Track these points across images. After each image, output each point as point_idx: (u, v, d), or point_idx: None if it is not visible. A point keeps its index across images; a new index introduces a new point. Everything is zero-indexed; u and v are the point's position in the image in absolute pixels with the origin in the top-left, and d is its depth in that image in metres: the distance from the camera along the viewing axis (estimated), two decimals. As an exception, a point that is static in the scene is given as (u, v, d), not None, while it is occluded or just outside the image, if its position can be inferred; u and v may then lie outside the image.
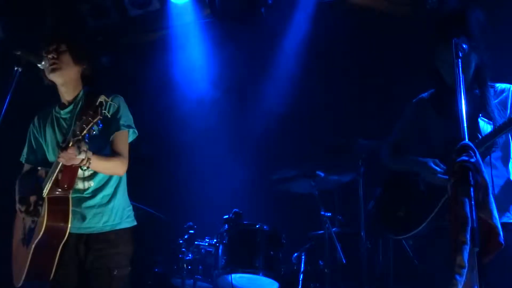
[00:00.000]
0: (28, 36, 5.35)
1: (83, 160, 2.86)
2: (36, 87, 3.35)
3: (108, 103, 2.86)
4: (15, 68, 3.09)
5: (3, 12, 5.60)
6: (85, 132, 2.72)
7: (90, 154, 2.85)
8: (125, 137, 3.18)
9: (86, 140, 2.77)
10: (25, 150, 3.40)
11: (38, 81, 3.32)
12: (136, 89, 5.76)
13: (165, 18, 5.73)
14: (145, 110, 5.56)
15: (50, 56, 3.17)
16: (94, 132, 2.75)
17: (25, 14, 5.53)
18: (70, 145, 2.79)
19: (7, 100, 3.05)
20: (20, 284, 3.14)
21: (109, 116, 2.87)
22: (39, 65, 3.17)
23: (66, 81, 3.26)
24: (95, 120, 2.70)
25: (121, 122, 3.16)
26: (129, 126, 3.19)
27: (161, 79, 5.86)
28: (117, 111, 3.15)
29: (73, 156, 2.84)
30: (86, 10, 5.59)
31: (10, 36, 5.63)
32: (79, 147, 2.78)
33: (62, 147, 2.83)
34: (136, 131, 3.25)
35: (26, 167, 3.40)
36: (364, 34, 5.31)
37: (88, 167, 2.93)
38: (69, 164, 2.92)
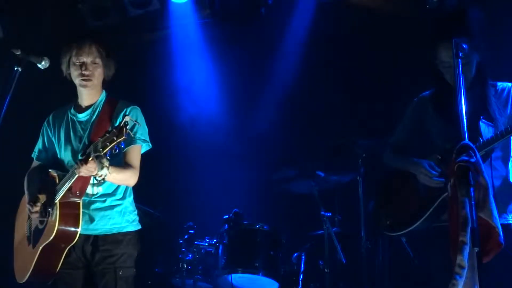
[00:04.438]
0: (28, 36, 5.35)
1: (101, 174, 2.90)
2: (36, 87, 3.35)
3: (133, 124, 2.87)
4: (15, 68, 3.09)
5: (3, 12, 5.59)
6: (107, 150, 2.74)
7: (112, 169, 2.89)
8: (138, 150, 3.23)
9: (108, 157, 2.79)
10: (37, 147, 3.42)
11: (38, 81, 3.32)
12: (136, 89, 5.75)
13: (165, 18, 5.72)
14: (145, 110, 5.55)
15: (86, 72, 3.18)
16: (116, 151, 2.77)
17: (25, 13, 5.53)
18: (90, 159, 2.82)
19: (7, 100, 3.05)
20: (23, 281, 3.16)
21: (132, 136, 2.89)
22: (39, 65, 3.18)
23: (91, 89, 3.29)
24: (119, 140, 2.71)
25: (137, 135, 3.19)
26: (144, 140, 3.24)
27: (161, 79, 5.86)
28: (134, 125, 3.16)
29: (92, 170, 2.88)
30: (86, 10, 5.58)
31: (10, 35, 5.63)
32: (101, 163, 2.81)
33: (82, 159, 2.85)
34: (150, 144, 3.28)
35: (35, 163, 3.42)
36: (364, 34, 5.31)
37: (104, 180, 2.97)
38: (86, 175, 2.97)
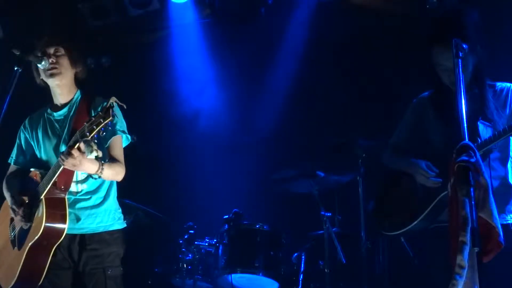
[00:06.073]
0: (28, 36, 5.34)
1: (98, 169, 2.92)
2: (36, 87, 3.35)
3: (118, 105, 2.85)
4: (15, 68, 3.09)
5: (3, 12, 5.59)
6: (94, 133, 2.71)
7: (100, 153, 2.83)
8: (121, 142, 3.21)
9: (96, 141, 2.76)
10: (14, 152, 3.40)
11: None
12: (136, 89, 5.76)
13: (165, 18, 5.73)
14: (145, 110, 5.57)
15: (50, 60, 3.18)
16: (103, 134, 2.75)
17: (25, 14, 5.53)
18: (75, 147, 2.80)
19: (7, 100, 3.05)
20: (10, 287, 3.11)
21: (117, 118, 2.87)
22: (39, 65, 3.17)
23: (62, 84, 3.27)
24: (106, 121, 2.68)
25: (117, 127, 3.18)
26: (123, 132, 3.22)
27: (161, 79, 5.86)
28: (114, 116, 3.15)
29: (77, 162, 2.84)
30: (86, 10, 5.59)
31: (10, 36, 5.63)
32: (90, 146, 2.77)
33: (65, 151, 2.83)
34: (129, 137, 3.27)
35: (12, 168, 3.40)
36: (364, 34, 5.31)
37: (99, 177, 2.97)
38: (71, 168, 2.92)
